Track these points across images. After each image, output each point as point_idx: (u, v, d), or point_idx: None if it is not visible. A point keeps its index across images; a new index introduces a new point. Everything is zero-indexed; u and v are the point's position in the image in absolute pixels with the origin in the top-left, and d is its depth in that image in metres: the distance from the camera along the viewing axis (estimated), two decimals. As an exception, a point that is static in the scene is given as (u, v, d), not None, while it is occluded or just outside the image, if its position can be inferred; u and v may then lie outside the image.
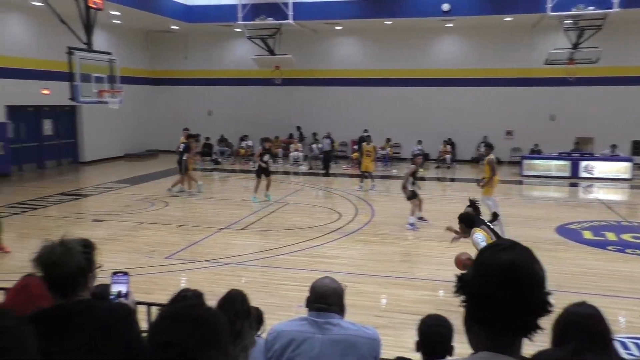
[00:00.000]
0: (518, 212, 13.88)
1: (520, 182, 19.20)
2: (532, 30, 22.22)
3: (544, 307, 1.43)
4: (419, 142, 22.57)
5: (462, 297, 1.50)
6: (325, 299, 3.01)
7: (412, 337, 3.43)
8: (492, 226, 7.64)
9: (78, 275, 2.36)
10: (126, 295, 2.56)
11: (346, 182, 18.97)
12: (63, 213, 13.19)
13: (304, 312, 3.15)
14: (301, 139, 24.19)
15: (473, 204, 8.40)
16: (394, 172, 20.94)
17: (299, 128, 24.83)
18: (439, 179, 20.03)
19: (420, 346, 3.32)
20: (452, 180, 20.02)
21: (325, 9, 21.42)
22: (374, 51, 24.38)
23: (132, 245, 10.19)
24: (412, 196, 12.02)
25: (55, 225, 11.76)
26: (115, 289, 2.55)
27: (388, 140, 22.95)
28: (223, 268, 8.90)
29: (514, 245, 1.48)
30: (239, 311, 3.50)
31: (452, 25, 22.40)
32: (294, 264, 9.12)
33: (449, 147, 22.89)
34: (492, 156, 12.78)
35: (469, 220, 7.36)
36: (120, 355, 2.24)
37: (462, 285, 1.50)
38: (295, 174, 21.12)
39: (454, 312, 3.20)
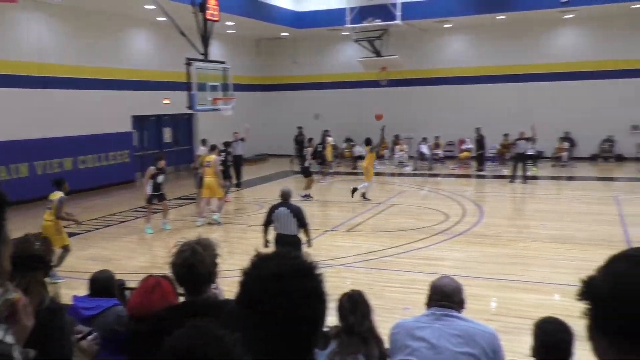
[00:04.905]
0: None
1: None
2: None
3: None
4: (533, 140, 21.28)
5: (587, 304, 1.37)
6: (450, 298, 3.10)
7: (527, 342, 3.26)
8: None
9: (211, 274, 2.54)
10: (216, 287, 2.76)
11: (453, 182, 18.50)
12: (180, 216, 13.97)
13: (409, 314, 3.12)
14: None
15: None
16: (504, 171, 20.12)
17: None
18: (553, 178, 18.94)
19: (538, 352, 3.13)
20: (570, 179, 18.84)
21: (435, 7, 21.07)
22: (486, 48, 23.56)
23: (241, 247, 10.57)
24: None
25: (174, 227, 12.49)
26: None
27: (505, 135, 21.65)
28: (328, 270, 8.98)
29: None
30: (363, 312, 3.62)
31: (571, 16, 21.10)
32: (399, 266, 9.02)
33: (565, 144, 21.56)
34: None
35: None
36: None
37: (588, 291, 1.37)
38: (400, 175, 20.93)
39: (572, 317, 3.01)
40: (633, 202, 13.96)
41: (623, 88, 21.55)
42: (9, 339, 1.30)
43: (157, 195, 12.03)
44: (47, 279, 2.44)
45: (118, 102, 18.62)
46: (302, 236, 7.69)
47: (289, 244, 7.30)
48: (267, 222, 7.81)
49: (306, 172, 15.81)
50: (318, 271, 1.35)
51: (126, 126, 19.41)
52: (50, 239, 8.41)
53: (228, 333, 1.44)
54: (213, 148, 13.53)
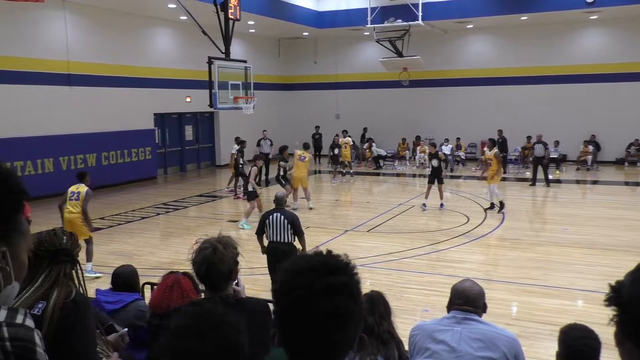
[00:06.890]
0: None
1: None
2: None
3: None
4: (556, 143, 21.02)
5: (614, 310, 1.34)
6: (473, 303, 3.07)
7: (547, 347, 3.22)
8: None
9: (231, 272, 2.57)
10: (237, 282, 2.80)
11: (474, 184, 18.32)
12: (202, 213, 14.09)
13: (429, 316, 3.09)
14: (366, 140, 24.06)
15: None
16: (527, 174, 19.87)
17: (365, 129, 24.94)
18: (578, 182, 18.67)
19: (563, 358, 3.06)
20: (594, 183, 18.54)
21: (456, 7, 20.88)
22: (508, 49, 23.29)
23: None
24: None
25: (195, 225, 12.60)
26: None
27: (529, 137, 21.46)
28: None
29: None
30: (382, 313, 3.61)
31: (596, 17, 20.76)
32: (419, 267, 8.97)
33: (590, 148, 21.22)
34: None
35: None
36: (258, 347, 2.39)
37: (616, 297, 1.34)
38: (422, 176, 20.79)
39: (596, 324, 2.96)
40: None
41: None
42: (29, 322, 1.31)
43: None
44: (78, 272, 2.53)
45: (141, 100, 18.83)
46: (297, 244, 7.23)
47: (282, 253, 6.86)
48: (261, 230, 7.33)
49: (437, 177, 13.97)
50: (352, 269, 1.34)
51: (149, 123, 19.60)
52: (77, 231, 8.54)
53: (230, 312, 1.48)
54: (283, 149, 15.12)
